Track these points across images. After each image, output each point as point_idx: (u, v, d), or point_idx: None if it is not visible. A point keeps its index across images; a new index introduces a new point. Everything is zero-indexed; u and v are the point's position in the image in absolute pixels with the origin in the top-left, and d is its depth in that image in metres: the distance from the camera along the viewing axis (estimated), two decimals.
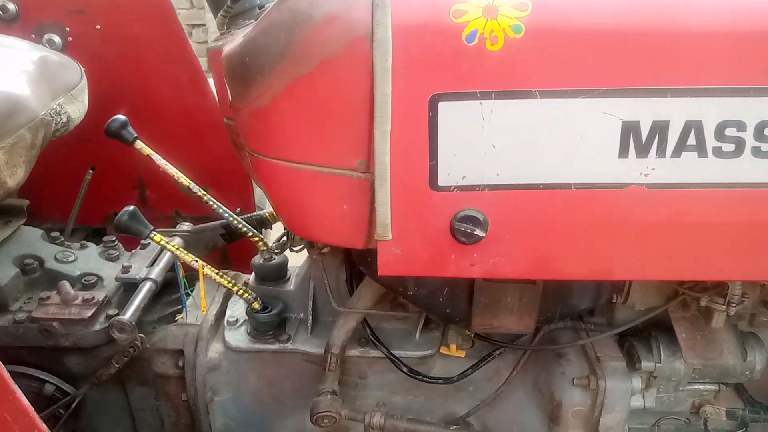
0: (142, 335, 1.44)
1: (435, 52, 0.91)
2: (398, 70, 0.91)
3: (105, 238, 1.74)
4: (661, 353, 1.33)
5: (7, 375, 0.96)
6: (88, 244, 1.73)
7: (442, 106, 0.92)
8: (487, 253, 1.01)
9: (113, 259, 1.69)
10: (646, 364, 1.34)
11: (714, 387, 1.39)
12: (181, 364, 1.50)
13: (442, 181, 0.96)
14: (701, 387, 1.39)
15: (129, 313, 1.42)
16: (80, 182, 2.03)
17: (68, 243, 1.73)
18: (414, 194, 0.97)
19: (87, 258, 1.67)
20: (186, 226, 1.79)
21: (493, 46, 0.90)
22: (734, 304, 1.20)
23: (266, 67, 0.96)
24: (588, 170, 0.95)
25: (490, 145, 0.94)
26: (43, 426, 1.00)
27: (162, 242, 1.43)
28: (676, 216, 0.97)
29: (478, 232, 0.97)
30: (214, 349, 1.50)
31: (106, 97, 1.83)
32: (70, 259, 1.64)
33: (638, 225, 0.98)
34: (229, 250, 2.07)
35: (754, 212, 0.97)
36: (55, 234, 1.73)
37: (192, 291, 1.59)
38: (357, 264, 1.32)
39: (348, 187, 1.00)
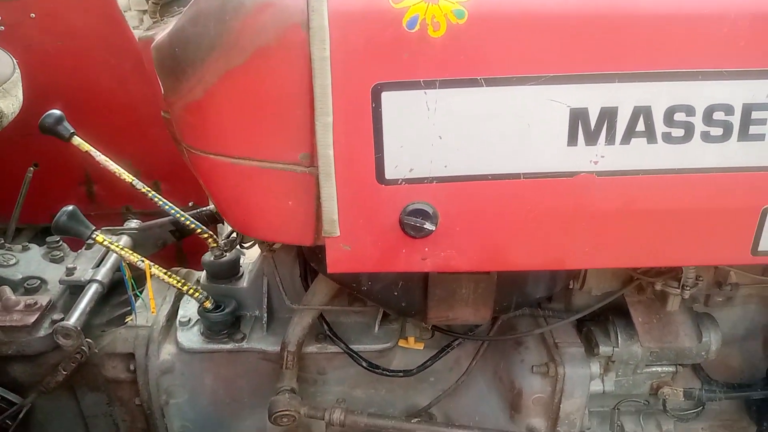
0: (89, 340, 1.38)
1: (375, 39, 0.86)
2: (337, 59, 0.86)
3: (48, 239, 1.67)
4: (619, 338, 1.33)
5: None
6: (31, 245, 1.65)
7: (386, 96, 0.88)
8: (439, 246, 0.98)
9: (58, 261, 1.62)
10: (604, 349, 1.33)
11: (671, 369, 1.40)
12: (132, 367, 1.44)
13: (389, 174, 0.93)
14: (659, 369, 1.40)
15: (74, 318, 1.36)
16: (22, 180, 1.94)
17: (9, 245, 1.65)
18: (361, 188, 0.94)
19: (29, 260, 1.60)
20: (134, 223, 1.72)
21: (435, 32, 0.86)
22: (688, 288, 1.20)
23: (197, 59, 0.91)
24: (537, 159, 0.93)
25: (436, 136, 0.91)
26: None
27: (105, 243, 1.36)
28: (627, 203, 0.95)
29: (427, 225, 0.94)
30: (167, 351, 1.45)
31: (43, 90, 1.74)
32: (11, 262, 1.56)
33: (589, 213, 0.96)
34: (184, 245, 2.01)
35: (705, 198, 0.96)
36: None
37: (142, 292, 1.53)
38: (308, 261, 1.28)
39: (292, 182, 0.96)
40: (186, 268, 1.68)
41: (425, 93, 0.88)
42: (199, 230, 1.51)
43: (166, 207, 1.49)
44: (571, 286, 1.36)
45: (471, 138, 0.91)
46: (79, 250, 1.65)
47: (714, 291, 1.37)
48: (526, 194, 0.95)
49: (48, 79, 1.82)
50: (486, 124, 0.91)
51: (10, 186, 1.97)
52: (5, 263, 1.55)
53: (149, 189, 1.50)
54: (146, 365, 1.43)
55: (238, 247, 1.49)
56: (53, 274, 1.56)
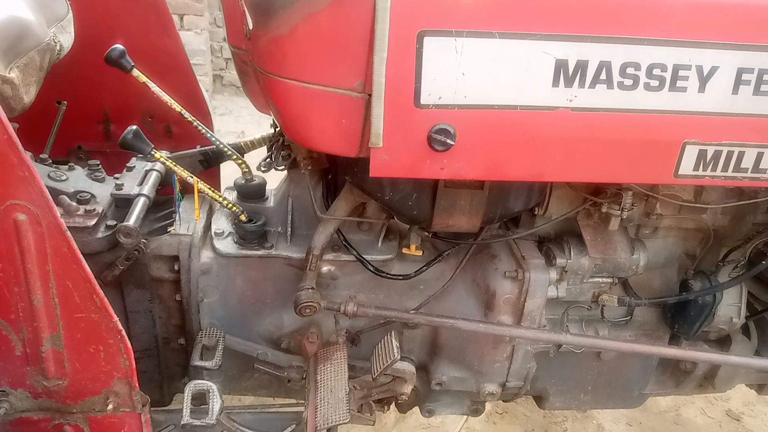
0: (144, 240, 1.64)
1: None
2: (395, 10, 1.18)
3: (90, 162, 1.90)
4: (571, 252, 1.72)
5: (74, 245, 1.17)
6: (75, 166, 1.87)
7: (427, 41, 1.21)
8: (454, 158, 1.32)
9: (100, 180, 1.85)
10: (559, 261, 1.72)
11: (609, 280, 1.80)
12: (176, 268, 1.71)
13: (423, 100, 1.26)
14: (600, 280, 1.79)
15: (132, 220, 1.62)
16: (46, 115, 2.14)
17: (56, 165, 1.87)
18: (401, 110, 1.26)
19: (77, 178, 1.83)
20: (164, 153, 1.97)
21: None
22: (626, 210, 1.59)
23: (288, 2, 1.21)
24: (529, 96, 1.28)
25: (460, 72, 1.24)
26: (101, 294, 1.21)
27: (162, 159, 1.63)
28: (592, 133, 1.32)
29: (449, 141, 1.27)
30: (206, 255, 1.73)
31: (78, 33, 1.95)
32: (63, 178, 1.79)
33: (564, 139, 1.32)
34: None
35: (644, 131, 1.34)
36: (44, 156, 1.87)
37: (179, 206, 1.80)
38: (345, 174, 1.59)
39: (347, 104, 1.27)
40: None
41: (455, 40, 1.22)
42: (234, 156, 1.79)
43: (208, 135, 1.76)
44: (536, 213, 1.74)
45: (484, 76, 1.25)
46: (119, 173, 1.89)
47: (644, 221, 1.78)
48: (521, 122, 1.30)
49: (79, 24, 2.01)
50: (496, 66, 1.25)
51: (33, 120, 2.16)
52: (58, 178, 1.78)
53: (194, 118, 1.77)
54: (189, 265, 1.70)
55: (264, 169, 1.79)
56: (99, 190, 1.80)
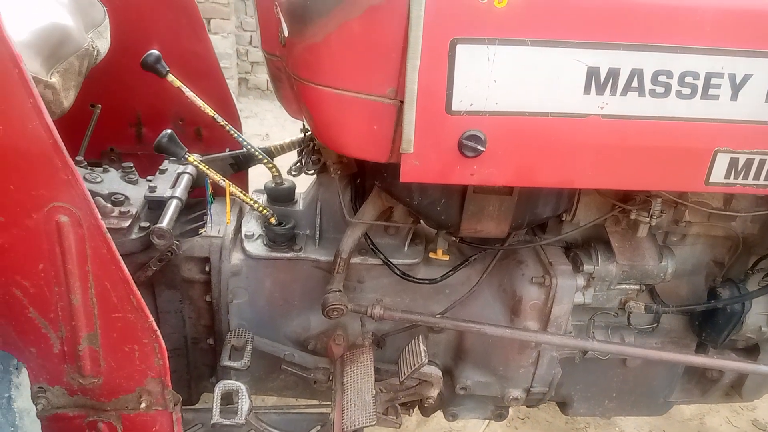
0: (177, 241, 1.67)
1: (456, 5, 1.20)
2: (429, 18, 1.20)
3: (124, 164, 1.94)
4: (599, 258, 1.72)
5: (114, 247, 1.20)
6: (109, 168, 1.92)
7: (459, 48, 1.22)
8: (484, 165, 1.33)
9: (133, 183, 1.90)
10: (587, 267, 1.72)
11: (636, 287, 1.79)
12: (207, 269, 1.75)
13: (455, 106, 1.27)
14: (627, 286, 1.79)
15: (165, 222, 1.65)
16: (80, 118, 2.19)
17: (91, 167, 1.92)
18: (433, 117, 1.28)
19: (111, 180, 1.87)
20: (195, 156, 2.01)
21: (499, 4, 1.20)
22: (655, 217, 1.59)
23: (324, 10, 1.23)
24: (560, 102, 1.28)
25: (492, 80, 1.25)
26: (138, 294, 1.24)
27: (195, 162, 1.67)
28: (622, 140, 1.32)
29: (480, 147, 1.29)
30: (236, 257, 1.76)
31: (113, 37, 1.99)
32: (98, 180, 1.84)
33: (595, 146, 1.33)
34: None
35: (676, 138, 1.34)
36: (79, 158, 1.92)
37: (211, 209, 1.84)
38: (375, 179, 1.60)
39: (379, 110, 1.29)
40: None
41: (487, 48, 1.23)
42: (265, 161, 1.82)
43: (240, 139, 1.80)
44: (563, 219, 1.74)
45: (516, 83, 1.26)
46: (152, 176, 1.93)
47: (672, 228, 1.77)
48: (551, 128, 1.31)
49: (114, 29, 2.06)
50: (528, 73, 1.26)
51: (67, 123, 2.22)
52: (93, 180, 1.83)
53: (226, 122, 1.80)
54: (220, 267, 1.74)
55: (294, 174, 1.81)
56: (132, 192, 1.84)
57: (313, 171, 1.73)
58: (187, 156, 1.65)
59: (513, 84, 1.26)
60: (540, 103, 1.28)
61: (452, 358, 1.90)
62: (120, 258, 1.21)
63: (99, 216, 1.18)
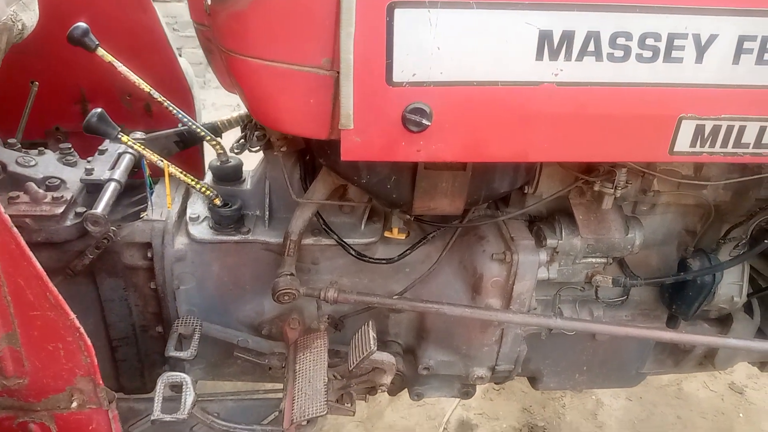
0: (113, 228, 1.57)
1: None
2: None
3: (61, 145, 1.82)
4: (563, 232, 1.64)
5: (23, 242, 1.10)
6: (46, 150, 1.80)
7: (398, 13, 1.11)
8: (431, 140, 1.23)
9: (72, 165, 1.78)
10: (550, 242, 1.64)
11: (603, 260, 1.72)
12: (149, 255, 1.65)
13: (396, 77, 1.16)
14: (593, 260, 1.71)
15: (101, 208, 1.54)
16: (19, 97, 2.05)
17: (25, 150, 1.80)
18: (372, 89, 1.17)
19: (47, 163, 1.75)
20: (139, 134, 1.89)
21: None
22: (620, 188, 1.50)
23: None
24: (511, 70, 1.18)
25: (435, 47, 1.14)
26: (55, 291, 1.15)
27: (129, 142, 1.55)
28: (579, 109, 1.22)
29: (425, 121, 1.18)
30: (180, 242, 1.66)
31: (48, 10, 1.85)
32: (31, 163, 1.71)
33: (549, 116, 1.23)
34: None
35: (637, 106, 1.24)
36: (13, 141, 1.79)
37: (152, 192, 1.73)
38: (318, 156, 1.50)
39: (314, 83, 1.18)
40: None
41: (429, 12, 1.11)
42: (208, 137, 1.71)
43: (180, 116, 1.68)
44: (525, 191, 1.65)
45: (462, 50, 1.15)
46: (91, 156, 1.81)
47: (640, 198, 1.68)
48: (502, 98, 1.20)
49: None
50: (474, 39, 1.15)
51: (6, 102, 2.08)
52: (26, 164, 1.70)
53: (165, 99, 1.68)
54: (162, 252, 1.64)
55: (240, 151, 1.70)
56: (69, 175, 1.72)
57: (257, 148, 1.62)
58: (120, 136, 1.53)
59: (458, 51, 1.15)
60: (489, 72, 1.18)
61: (414, 337, 1.83)
62: (31, 254, 1.11)
63: (2, 209, 1.07)
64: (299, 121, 1.25)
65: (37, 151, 1.80)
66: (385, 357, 1.48)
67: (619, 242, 1.64)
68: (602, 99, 1.22)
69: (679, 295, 1.75)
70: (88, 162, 1.79)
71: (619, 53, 1.18)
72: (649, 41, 1.18)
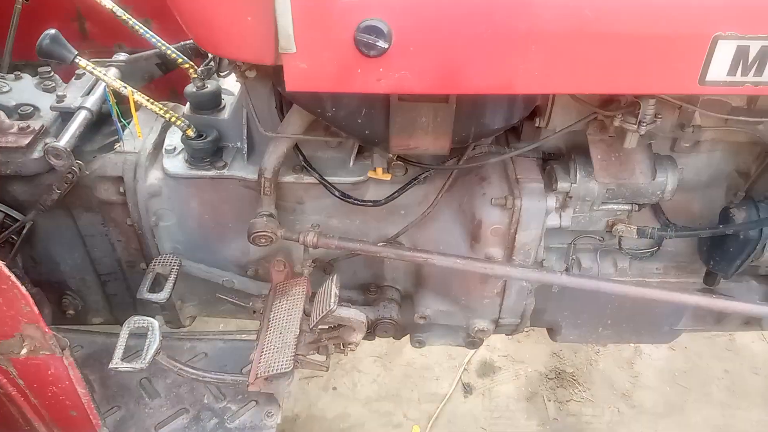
0: (79, 162, 1.46)
1: None
2: None
3: (40, 69, 1.71)
4: (577, 174, 1.39)
5: None
6: (23, 75, 1.69)
7: None
8: (393, 66, 1.01)
9: (50, 90, 1.67)
10: (561, 185, 1.40)
11: (627, 207, 1.46)
12: (122, 190, 1.54)
13: None
14: (615, 207, 1.47)
15: (64, 140, 1.44)
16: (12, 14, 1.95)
17: (1, 74, 1.70)
18: (315, 2, 0.96)
19: (22, 89, 1.65)
20: (122, 56, 1.75)
21: None
22: (645, 124, 1.23)
23: None
24: None
25: None
26: None
27: (88, 67, 1.41)
28: (578, 27, 0.97)
29: (381, 43, 0.96)
30: (154, 176, 1.54)
31: None
32: (4, 89, 1.62)
33: (541, 35, 0.98)
34: (176, 80, 2.03)
35: (655, 23, 0.96)
36: None
37: (130, 123, 1.60)
38: (275, 84, 1.31)
39: None
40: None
41: None
42: (180, 60, 1.54)
43: (147, 36, 1.51)
44: (537, 125, 1.40)
45: None
46: (70, 81, 1.69)
47: (679, 134, 1.40)
48: (480, 11, 0.96)
49: None
50: None
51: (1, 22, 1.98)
52: None
53: (130, 17, 1.51)
54: (135, 188, 1.53)
55: (216, 77, 1.53)
56: (46, 102, 1.62)
57: (226, 72, 1.44)
58: (77, 60, 1.39)
59: None
60: None
61: (413, 284, 1.67)
62: None
63: None
64: (239, 43, 1.06)
65: (13, 75, 1.69)
66: (352, 314, 1.33)
67: (646, 187, 1.38)
68: (607, 13, 0.95)
69: (718, 250, 1.48)
70: (66, 87, 1.67)
71: None
72: None
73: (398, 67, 1.01)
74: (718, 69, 1.00)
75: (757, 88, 1.03)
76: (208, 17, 1.04)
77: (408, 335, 1.82)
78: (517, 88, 1.04)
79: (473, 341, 1.78)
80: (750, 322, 1.78)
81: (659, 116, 1.26)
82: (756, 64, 1.00)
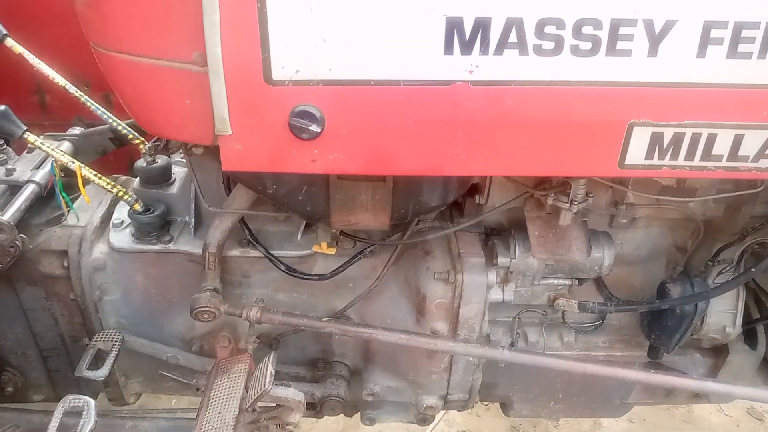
0: (23, 236, 1.45)
1: None
2: None
3: None
4: (516, 250, 1.42)
5: None
6: None
7: None
8: (327, 148, 1.05)
9: (1, 163, 1.68)
10: (502, 260, 1.43)
11: (567, 282, 1.49)
12: (66, 264, 1.53)
13: (276, 75, 0.98)
14: (555, 281, 1.49)
15: (8, 214, 1.43)
16: None
17: None
18: (249, 88, 0.99)
19: None
20: (77, 130, 1.78)
21: None
22: (577, 203, 1.27)
23: None
24: (415, 67, 0.98)
25: (320, 38, 0.96)
26: None
27: (36, 143, 1.42)
28: (501, 113, 1.01)
29: (313, 127, 1.00)
30: (99, 250, 1.53)
31: None
32: None
33: (465, 121, 1.02)
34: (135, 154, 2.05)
35: (574, 110, 1.02)
36: None
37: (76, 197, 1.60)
38: (218, 162, 1.34)
39: (188, 81, 1.02)
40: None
41: None
42: (130, 136, 1.57)
43: (99, 112, 1.54)
44: (477, 201, 1.44)
45: (352, 42, 0.96)
46: (22, 153, 1.70)
47: (614, 211, 1.45)
48: (406, 101, 1.01)
49: None
50: (366, 29, 0.95)
51: None
52: None
53: (82, 94, 1.55)
54: (79, 262, 1.51)
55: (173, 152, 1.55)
56: None
57: (172, 150, 1.47)
58: (26, 136, 1.41)
59: (349, 43, 0.96)
60: (388, 68, 0.98)
61: (361, 358, 1.66)
62: None
63: None
64: (178, 125, 1.09)
65: None
66: (290, 393, 1.31)
67: (583, 263, 1.42)
68: (529, 101, 1.01)
69: (658, 324, 1.51)
70: (17, 161, 1.68)
71: (548, 45, 0.97)
72: (587, 29, 0.96)
73: (332, 149, 1.05)
74: (636, 153, 1.05)
75: (675, 171, 1.08)
76: (148, 100, 1.07)
77: (352, 413, 1.79)
78: (446, 171, 1.08)
79: (423, 418, 1.75)
80: (698, 395, 1.79)
81: (591, 195, 1.31)
82: (671, 149, 1.05)
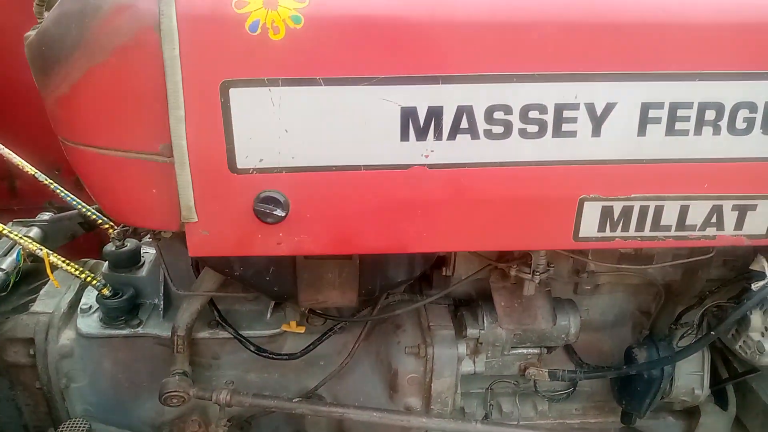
0: None
1: (221, 40, 0.96)
2: (187, 58, 0.95)
3: None
4: (485, 321, 1.44)
5: None
6: None
7: (233, 93, 0.98)
8: (292, 231, 1.08)
9: None
10: (471, 332, 1.44)
11: (536, 351, 1.51)
12: (32, 352, 1.50)
13: (240, 164, 1.02)
14: (525, 351, 1.51)
15: None
16: None
17: None
18: (214, 177, 1.03)
19: None
20: (46, 216, 1.79)
21: (275, 35, 0.96)
22: (539, 273, 1.31)
23: (62, 57, 0.99)
24: (374, 153, 1.03)
25: (282, 129, 1.00)
26: None
27: (4, 231, 1.43)
28: (457, 193, 1.06)
29: (278, 212, 1.03)
30: (66, 336, 1.52)
31: None
32: None
33: (424, 202, 1.07)
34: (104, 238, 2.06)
35: (526, 188, 1.07)
36: None
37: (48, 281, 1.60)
38: (185, 246, 1.36)
39: (154, 171, 1.04)
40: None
41: (270, 90, 0.98)
42: (99, 221, 1.58)
43: (68, 198, 1.56)
44: (445, 273, 1.47)
45: (314, 132, 1.01)
46: None
47: (577, 279, 1.49)
48: (367, 184, 1.05)
49: None
50: (327, 119, 1.00)
51: None
52: None
53: (51, 181, 1.57)
54: (45, 349, 1.49)
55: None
56: None
57: (144, 233, 1.48)
58: None
59: (310, 133, 1.01)
60: (348, 155, 1.03)
61: None
62: None
63: None
64: (144, 213, 1.11)
65: None
66: None
67: (550, 332, 1.44)
68: (483, 181, 1.06)
69: (627, 389, 1.53)
70: None
71: (498, 129, 1.03)
72: (533, 114, 1.03)
73: (297, 231, 1.07)
74: (588, 226, 1.10)
75: (627, 242, 1.13)
76: (115, 190, 1.09)
77: None
78: (409, 248, 1.11)
79: None
80: None
81: (552, 265, 1.35)
82: (622, 221, 1.11)
